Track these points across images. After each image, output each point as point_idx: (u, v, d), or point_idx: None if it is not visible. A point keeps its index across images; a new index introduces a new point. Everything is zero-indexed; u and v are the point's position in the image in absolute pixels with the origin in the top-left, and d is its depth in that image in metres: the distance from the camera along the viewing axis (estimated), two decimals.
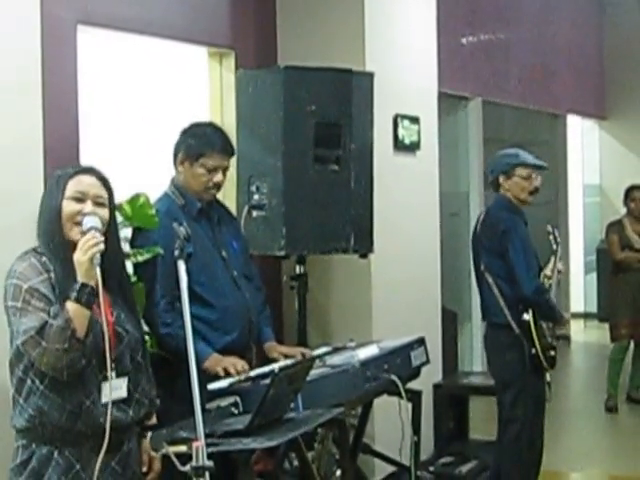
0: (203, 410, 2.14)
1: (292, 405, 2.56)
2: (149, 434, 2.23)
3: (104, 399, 2.02)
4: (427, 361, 3.31)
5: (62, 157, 2.84)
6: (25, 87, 2.59)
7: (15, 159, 2.54)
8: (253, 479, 2.68)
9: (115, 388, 2.07)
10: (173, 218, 2.72)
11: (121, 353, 2.10)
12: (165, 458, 2.17)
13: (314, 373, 2.69)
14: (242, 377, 2.70)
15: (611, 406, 5.71)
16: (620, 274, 5.74)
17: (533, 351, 3.44)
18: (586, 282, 8.87)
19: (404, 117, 4.35)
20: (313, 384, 2.65)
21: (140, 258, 2.69)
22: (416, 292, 4.44)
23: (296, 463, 3.06)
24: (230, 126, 3.73)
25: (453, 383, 4.79)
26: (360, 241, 3.58)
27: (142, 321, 2.32)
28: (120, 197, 2.75)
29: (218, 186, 2.89)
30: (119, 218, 2.70)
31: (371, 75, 3.68)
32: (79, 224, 2.03)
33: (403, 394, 2.94)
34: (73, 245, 2.03)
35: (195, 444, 2.00)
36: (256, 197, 3.44)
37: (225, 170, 2.89)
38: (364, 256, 3.70)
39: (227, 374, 2.71)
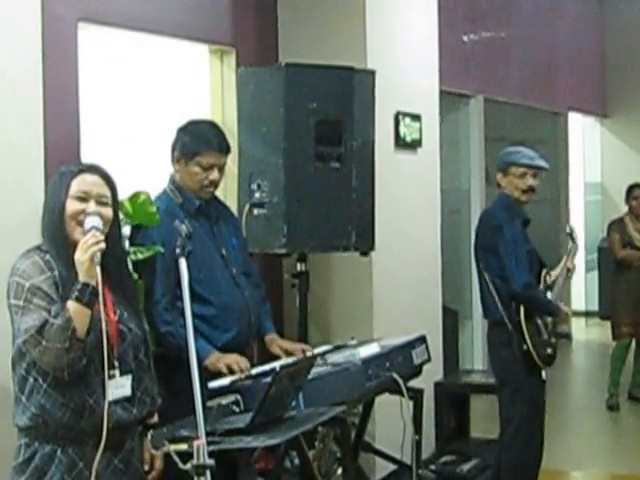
0: (204, 408, 2.13)
1: (293, 403, 2.56)
2: (150, 432, 2.23)
3: (109, 397, 2.02)
4: (428, 359, 3.31)
5: (63, 155, 2.83)
6: (26, 85, 2.59)
7: (16, 157, 2.53)
8: (254, 477, 2.67)
9: (118, 386, 2.07)
10: (172, 216, 2.72)
11: (124, 351, 2.10)
12: (166, 456, 2.17)
13: (315, 371, 2.68)
14: (243, 375, 2.69)
15: (613, 404, 5.70)
16: (621, 272, 5.74)
17: (525, 347, 3.44)
18: (587, 280, 8.86)
19: (405, 115, 4.34)
20: (314, 382, 2.64)
21: (140, 256, 2.69)
22: (417, 290, 4.43)
23: (297, 461, 3.05)
24: (231, 124, 3.73)
25: (454, 381, 4.79)
26: (361, 239, 3.57)
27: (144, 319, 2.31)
28: (121, 195, 2.75)
29: (215, 184, 2.88)
30: (120, 216, 2.69)
31: (372, 73, 3.68)
32: (82, 224, 2.04)
33: (404, 392, 2.93)
34: (75, 244, 2.03)
35: (196, 442, 2.00)
36: (257, 195, 3.43)
37: (221, 168, 2.88)
38: (365, 254, 3.69)
39: (230, 371, 2.70)
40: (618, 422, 5.61)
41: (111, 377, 2.04)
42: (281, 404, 2.47)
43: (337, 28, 4.06)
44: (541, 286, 3.57)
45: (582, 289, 8.80)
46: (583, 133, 9.18)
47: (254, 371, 2.75)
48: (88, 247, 1.98)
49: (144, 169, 3.41)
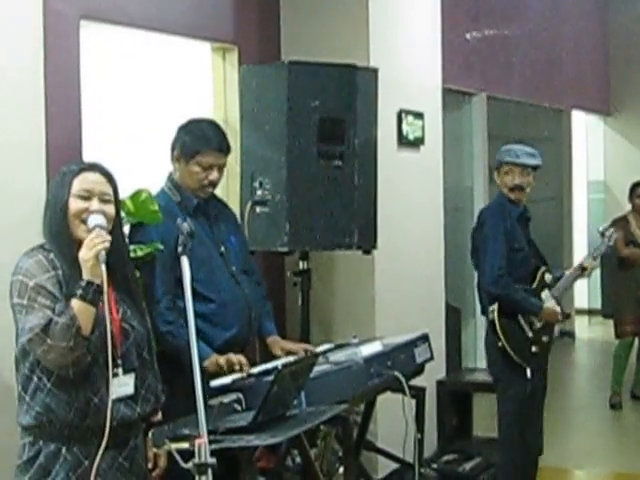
0: (206, 407, 2.13)
1: (295, 402, 2.55)
2: (152, 430, 2.23)
3: (113, 396, 2.03)
4: (431, 358, 3.30)
5: (65, 153, 2.83)
6: (27, 83, 2.58)
7: (17, 156, 2.53)
8: (256, 476, 2.67)
9: (122, 385, 2.07)
10: (170, 214, 2.71)
11: (127, 350, 2.10)
12: (168, 455, 2.16)
13: (317, 370, 2.68)
14: (245, 374, 2.69)
15: (615, 403, 5.69)
16: (625, 270, 5.73)
17: (500, 344, 3.43)
18: (590, 278, 8.82)
19: (408, 113, 4.33)
20: (316, 381, 2.64)
21: (140, 253, 2.68)
22: (420, 288, 4.42)
23: (299, 460, 3.05)
24: (233, 122, 3.73)
25: (457, 380, 4.78)
26: (364, 237, 3.57)
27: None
28: (123, 193, 2.74)
29: (214, 184, 2.87)
30: (121, 213, 2.69)
31: (375, 71, 3.67)
32: (85, 222, 2.04)
33: (407, 391, 2.93)
34: (79, 242, 2.03)
35: (198, 441, 2.00)
36: (259, 193, 3.42)
37: (221, 168, 2.87)
38: (368, 252, 3.69)
39: (229, 367, 2.70)
40: (621, 420, 5.60)
41: (115, 375, 2.04)
42: (283, 403, 2.47)
43: (340, 26, 4.05)
44: (535, 284, 3.55)
45: (585, 287, 8.77)
46: (586, 131, 9.16)
47: (256, 370, 2.75)
48: (93, 245, 1.98)
49: (146, 167, 3.40)
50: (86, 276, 1.98)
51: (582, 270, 3.64)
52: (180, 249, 2.16)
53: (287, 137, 3.37)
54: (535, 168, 3.57)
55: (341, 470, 3.15)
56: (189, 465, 1.99)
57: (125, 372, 2.08)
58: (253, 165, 3.47)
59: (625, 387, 5.80)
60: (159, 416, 2.26)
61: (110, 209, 2.09)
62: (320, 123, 3.40)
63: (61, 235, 2.05)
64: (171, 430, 2.29)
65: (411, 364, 3.12)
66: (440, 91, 4.73)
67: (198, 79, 3.94)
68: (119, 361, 2.07)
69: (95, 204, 2.05)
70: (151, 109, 3.66)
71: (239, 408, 2.52)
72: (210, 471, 1.99)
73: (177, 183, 2.88)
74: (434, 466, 4.18)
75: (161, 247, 2.70)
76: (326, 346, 3.09)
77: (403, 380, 2.92)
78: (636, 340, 5.77)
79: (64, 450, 2.03)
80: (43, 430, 2.03)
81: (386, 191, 3.81)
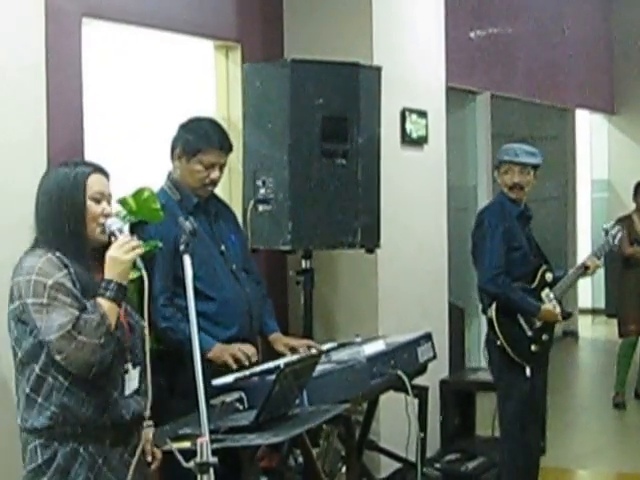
0: (207, 406, 2.12)
1: (297, 401, 2.54)
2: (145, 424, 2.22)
3: (127, 392, 2.08)
4: (434, 357, 3.29)
5: (66, 152, 2.82)
6: (29, 81, 2.58)
7: (19, 155, 2.53)
8: (258, 475, 2.66)
9: (132, 379, 2.11)
10: (170, 213, 2.71)
11: (133, 344, 2.13)
12: (170, 454, 2.16)
13: (320, 369, 2.67)
14: (247, 373, 2.68)
15: (619, 403, 5.68)
16: (629, 269, 5.71)
17: (498, 343, 3.42)
18: (594, 277, 8.79)
19: (412, 111, 4.32)
20: (319, 380, 2.63)
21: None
22: (423, 287, 4.41)
23: (301, 459, 3.04)
24: (236, 120, 3.72)
25: (460, 379, 4.77)
26: (367, 236, 3.56)
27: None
28: (125, 191, 2.74)
29: (215, 183, 2.87)
30: (123, 212, 2.69)
31: (378, 69, 3.66)
32: (101, 224, 2.09)
33: (409, 390, 2.92)
34: (94, 244, 2.08)
35: (199, 440, 2.00)
36: (262, 191, 3.42)
37: (222, 166, 2.87)
38: (371, 251, 3.68)
39: (236, 361, 2.69)
40: (624, 420, 5.59)
41: (126, 371, 2.08)
42: (285, 402, 2.46)
43: (343, 24, 4.04)
44: (535, 283, 3.54)
45: (589, 286, 8.76)
46: (590, 130, 9.14)
47: (258, 368, 2.74)
48: (131, 249, 2.04)
49: (148, 165, 3.39)
50: (113, 276, 2.03)
51: (585, 269, 3.63)
52: (182, 247, 2.15)
53: (290, 135, 3.36)
54: (535, 167, 3.55)
55: (343, 470, 3.15)
56: (191, 464, 1.99)
57: (134, 367, 2.11)
58: (256, 163, 3.46)
59: (629, 387, 5.78)
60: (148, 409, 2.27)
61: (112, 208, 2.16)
62: (323, 121, 3.39)
63: (78, 236, 2.07)
64: (173, 429, 2.29)
65: (414, 363, 3.11)
66: (444, 90, 4.72)
67: (201, 77, 3.94)
68: (129, 356, 2.10)
69: (108, 207, 2.12)
70: (153, 107, 3.65)
71: (241, 407, 2.51)
72: (212, 470, 1.99)
73: (177, 182, 2.87)
74: (437, 465, 4.18)
75: (161, 245, 2.69)
76: (329, 345, 3.09)
77: (406, 379, 2.91)
78: None
79: (82, 449, 2.03)
80: (57, 431, 2.03)
81: (389, 190, 3.80)
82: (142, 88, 3.63)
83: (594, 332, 8.57)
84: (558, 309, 3.54)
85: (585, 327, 8.52)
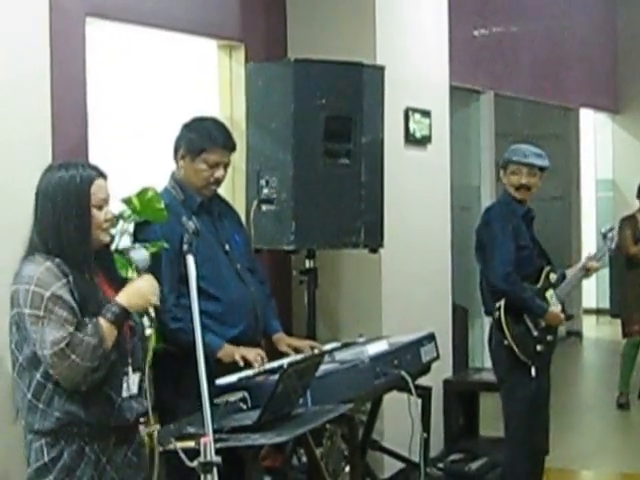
0: (211, 405, 2.12)
1: (301, 401, 2.54)
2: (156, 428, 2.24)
3: (124, 394, 2.08)
4: (437, 357, 3.29)
5: (70, 151, 2.82)
6: (33, 80, 2.57)
7: (23, 154, 2.52)
8: (261, 475, 2.66)
9: (133, 382, 2.11)
10: (174, 213, 2.72)
11: (135, 346, 2.13)
12: (173, 454, 2.16)
13: (323, 369, 2.67)
14: (251, 372, 2.68)
15: (623, 403, 5.66)
16: (633, 269, 5.69)
17: (505, 342, 3.41)
18: (599, 277, 8.78)
19: (415, 110, 4.31)
20: (322, 380, 2.63)
21: None
22: (427, 287, 4.41)
23: (304, 459, 3.04)
24: (239, 119, 3.72)
25: (463, 379, 4.77)
26: (370, 236, 3.55)
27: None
28: (129, 191, 2.74)
29: (219, 182, 2.87)
30: (127, 212, 2.69)
31: (382, 68, 3.65)
32: (104, 229, 2.11)
33: (413, 390, 2.92)
34: (96, 248, 2.10)
35: (203, 440, 2.00)
36: (265, 191, 3.42)
37: (226, 166, 2.87)
38: (374, 251, 3.67)
39: (246, 363, 2.69)
40: (628, 421, 5.57)
41: (125, 374, 2.09)
42: (289, 401, 2.46)
43: (346, 23, 4.03)
44: (540, 284, 3.53)
45: (593, 286, 8.74)
46: (594, 129, 9.12)
47: (262, 368, 2.74)
48: (153, 294, 2.08)
49: (152, 165, 3.39)
50: (126, 302, 2.04)
51: (586, 271, 3.64)
52: (186, 247, 2.15)
53: (293, 135, 3.36)
54: (542, 169, 3.55)
55: (347, 469, 3.14)
56: (195, 464, 1.99)
57: (134, 371, 2.11)
58: (259, 163, 3.46)
59: (633, 387, 5.77)
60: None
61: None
62: (326, 121, 3.39)
63: (83, 244, 2.07)
64: (177, 429, 2.29)
65: (417, 363, 3.11)
66: (447, 89, 4.71)
67: (204, 77, 3.93)
68: (129, 359, 2.10)
69: (109, 211, 2.13)
70: (156, 106, 3.65)
71: (245, 407, 2.51)
72: (215, 470, 1.99)
73: (180, 181, 2.87)
74: (440, 466, 4.17)
75: (166, 245, 2.69)
76: (332, 345, 3.08)
77: (409, 379, 2.91)
78: None
79: (87, 449, 2.04)
80: (63, 431, 2.03)
81: (393, 189, 3.80)
82: (145, 87, 3.63)
83: (598, 332, 8.55)
84: (562, 315, 3.55)
85: (589, 327, 8.50)
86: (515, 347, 3.41)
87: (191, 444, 2.11)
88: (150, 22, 3.43)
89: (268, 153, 3.43)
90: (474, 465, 4.19)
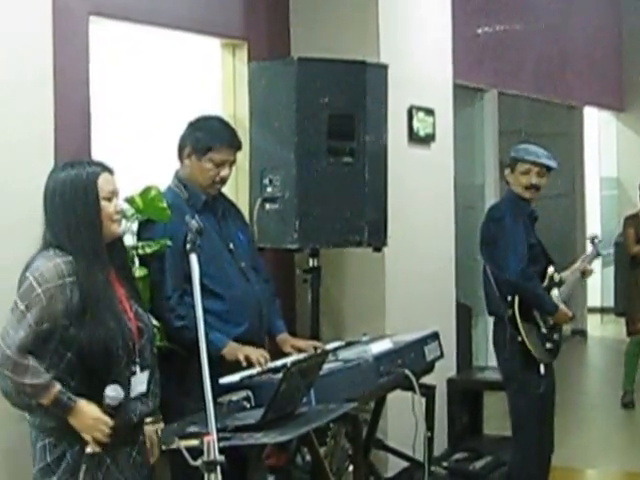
0: (215, 404, 2.12)
1: (305, 400, 2.54)
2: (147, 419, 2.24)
3: (132, 394, 2.09)
4: (441, 356, 3.28)
5: (73, 150, 2.82)
6: (36, 79, 2.58)
7: (25, 154, 2.52)
8: (265, 474, 2.66)
9: (139, 383, 2.12)
10: (178, 211, 2.72)
11: (143, 347, 2.14)
12: (177, 453, 2.16)
13: (327, 367, 2.67)
14: (255, 372, 2.68)
15: (627, 402, 5.65)
16: (636, 268, 5.68)
17: (519, 339, 3.39)
18: (603, 276, 8.78)
19: (419, 109, 4.31)
20: (326, 378, 2.63)
21: (148, 250, 2.68)
22: (430, 286, 4.40)
23: (308, 458, 3.04)
24: (243, 118, 3.71)
25: (467, 378, 4.76)
26: (374, 234, 3.55)
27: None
28: (132, 190, 2.74)
29: (224, 180, 2.88)
30: (130, 210, 2.69)
31: (385, 67, 3.65)
32: (116, 221, 2.13)
33: (417, 389, 2.91)
34: (106, 237, 2.11)
35: (207, 438, 2.00)
36: (269, 190, 3.41)
37: (232, 164, 2.88)
38: (378, 250, 3.67)
39: (248, 363, 2.69)
40: (633, 420, 5.56)
41: (133, 374, 2.09)
42: (292, 400, 2.46)
43: (349, 22, 4.03)
44: (545, 282, 3.53)
45: (598, 285, 8.72)
46: (599, 127, 9.10)
47: (265, 367, 2.73)
48: (96, 431, 2.02)
49: (155, 164, 3.39)
50: (73, 414, 2.00)
51: (582, 273, 3.66)
52: (189, 246, 2.16)
53: (296, 134, 3.36)
54: (550, 170, 3.56)
55: (351, 468, 3.14)
56: (198, 463, 1.99)
57: (142, 370, 2.11)
58: (262, 162, 3.46)
59: (637, 386, 5.75)
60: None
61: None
62: (330, 120, 3.39)
63: (94, 237, 2.08)
64: (180, 427, 2.29)
65: (421, 362, 3.10)
66: (451, 87, 4.70)
67: (207, 75, 3.93)
68: (137, 359, 2.10)
69: (119, 203, 2.15)
70: (160, 105, 3.65)
71: (248, 406, 2.51)
72: (219, 469, 1.99)
73: (184, 180, 2.87)
74: (444, 464, 4.16)
75: (170, 244, 2.69)
76: (336, 343, 3.08)
77: (413, 378, 2.90)
78: None
79: (89, 449, 2.04)
80: (66, 431, 2.04)
81: (396, 188, 3.79)
82: (149, 86, 3.63)
83: (603, 331, 8.53)
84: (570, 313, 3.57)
85: (594, 326, 8.48)
86: (529, 344, 3.40)
87: (195, 443, 2.11)
88: (153, 21, 3.43)
89: (271, 152, 3.43)
90: (478, 464, 4.18)
